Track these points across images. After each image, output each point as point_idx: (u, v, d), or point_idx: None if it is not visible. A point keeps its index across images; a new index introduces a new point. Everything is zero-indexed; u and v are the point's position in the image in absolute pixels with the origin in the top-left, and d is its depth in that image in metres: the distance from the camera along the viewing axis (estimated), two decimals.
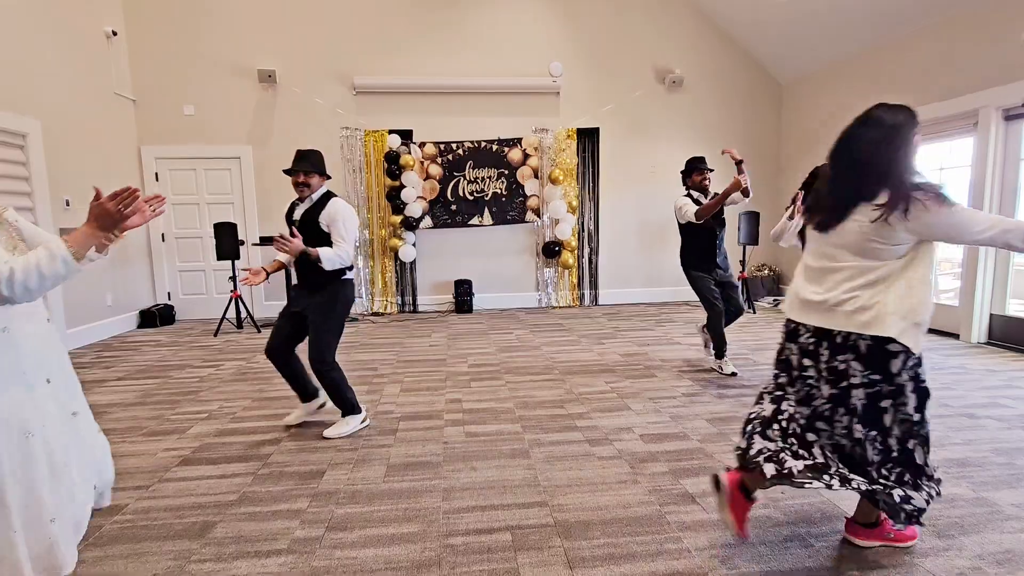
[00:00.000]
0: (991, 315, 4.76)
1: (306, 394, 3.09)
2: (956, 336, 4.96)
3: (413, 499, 2.24)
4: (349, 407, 2.98)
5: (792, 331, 1.85)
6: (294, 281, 3.15)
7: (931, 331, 5.24)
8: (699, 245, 3.91)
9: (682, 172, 4.05)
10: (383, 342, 5.27)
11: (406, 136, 6.65)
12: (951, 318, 5.09)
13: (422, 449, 2.74)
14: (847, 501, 2.15)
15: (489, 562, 1.82)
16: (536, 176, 6.87)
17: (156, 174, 6.37)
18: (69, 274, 1.34)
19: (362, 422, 3.04)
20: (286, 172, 2.91)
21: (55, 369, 1.50)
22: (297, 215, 2.92)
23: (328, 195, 2.93)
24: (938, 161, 5.34)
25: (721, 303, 3.86)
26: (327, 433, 2.92)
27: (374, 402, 3.47)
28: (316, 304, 2.88)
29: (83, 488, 1.54)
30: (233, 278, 5.89)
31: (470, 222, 6.86)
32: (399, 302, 7.00)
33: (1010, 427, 2.89)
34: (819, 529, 1.97)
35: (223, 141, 6.46)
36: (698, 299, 3.97)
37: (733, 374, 3.90)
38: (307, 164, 2.85)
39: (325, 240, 2.84)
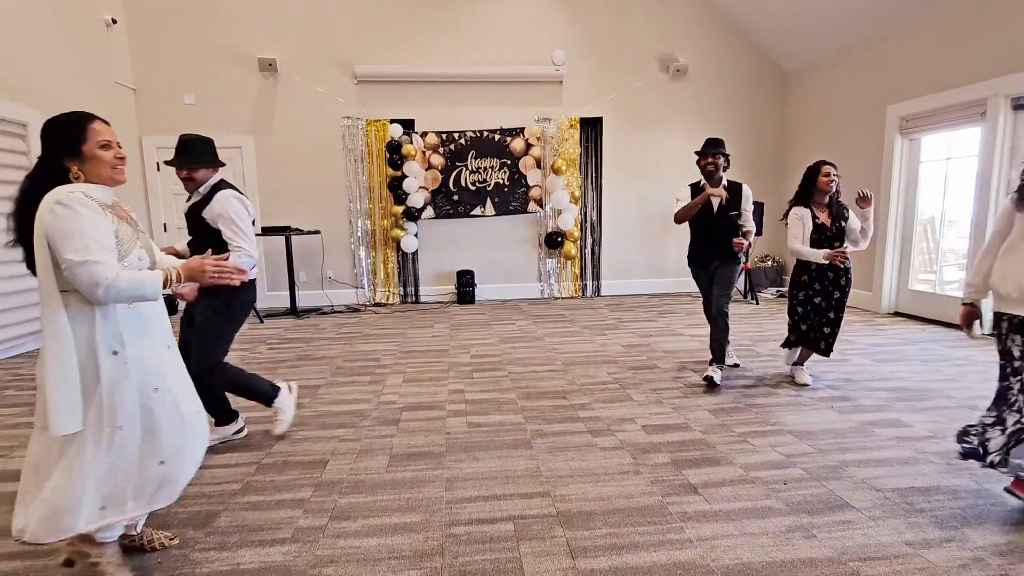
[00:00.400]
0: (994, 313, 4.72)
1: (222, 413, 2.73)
2: (959, 327, 4.93)
3: (416, 489, 2.25)
4: (266, 395, 2.70)
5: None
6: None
7: (935, 322, 5.22)
8: (693, 237, 3.70)
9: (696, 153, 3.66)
10: (385, 333, 5.27)
11: (408, 126, 6.61)
12: (955, 309, 5.05)
13: (425, 439, 2.75)
14: (849, 492, 2.15)
15: (491, 552, 1.83)
16: (539, 166, 6.84)
17: (157, 164, 6.36)
18: (148, 299, 1.58)
19: (290, 393, 2.81)
20: (168, 164, 2.52)
21: (171, 340, 1.76)
22: (186, 208, 2.56)
23: (217, 187, 2.50)
24: (944, 151, 5.29)
25: (707, 296, 3.68)
26: (277, 432, 2.75)
27: (376, 392, 3.47)
28: (208, 306, 2.47)
29: (193, 445, 1.73)
30: None
31: (472, 212, 6.84)
32: (401, 293, 7.00)
33: None
34: (821, 520, 1.98)
35: (224, 131, 6.42)
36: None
37: (735, 365, 3.89)
38: (188, 157, 2.45)
39: (212, 235, 2.46)
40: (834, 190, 3.32)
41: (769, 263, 7.43)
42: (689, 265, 3.78)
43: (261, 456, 2.59)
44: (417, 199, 6.55)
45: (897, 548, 1.81)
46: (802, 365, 3.59)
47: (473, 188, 6.80)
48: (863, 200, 3.24)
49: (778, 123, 7.40)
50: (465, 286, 6.90)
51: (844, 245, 3.33)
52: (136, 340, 1.58)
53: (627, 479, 2.31)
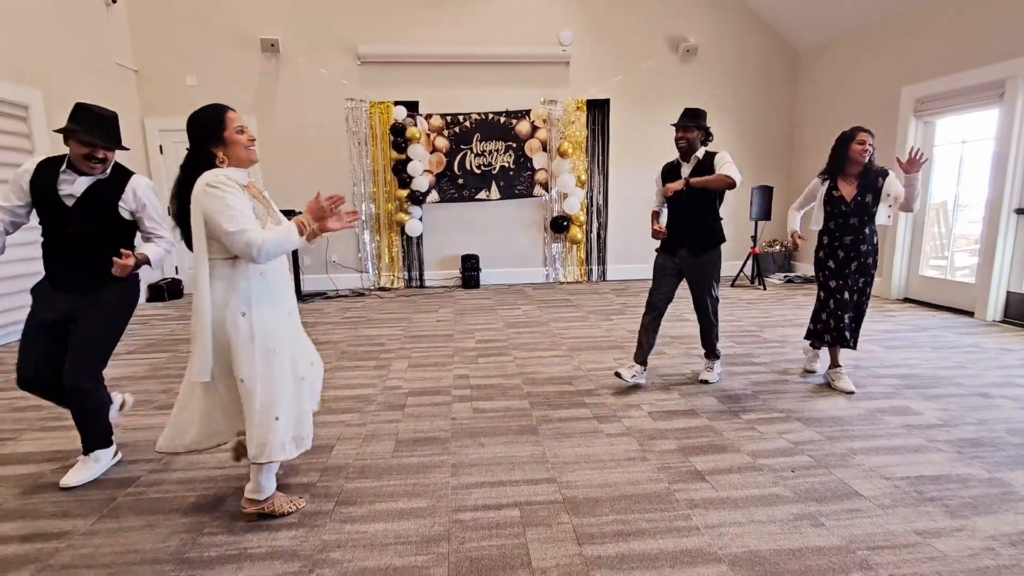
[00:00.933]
0: (1008, 293, 4.67)
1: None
2: (971, 314, 4.88)
3: (422, 474, 2.25)
4: (106, 437, 2.30)
5: None
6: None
7: (946, 309, 5.16)
8: (668, 218, 3.33)
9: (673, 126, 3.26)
10: (390, 317, 5.26)
11: (412, 108, 6.52)
12: (966, 296, 5.00)
13: (430, 425, 2.75)
14: (858, 480, 2.14)
15: (498, 537, 1.82)
16: (544, 149, 6.75)
17: (160, 147, 6.32)
18: (293, 248, 1.83)
19: (113, 456, 2.37)
20: (77, 140, 2.10)
21: (292, 308, 2.00)
22: (77, 190, 2.14)
23: (123, 171, 2.25)
24: (960, 134, 5.18)
25: (659, 295, 3.29)
26: (66, 482, 2.18)
27: (382, 377, 3.47)
28: (95, 307, 2.17)
29: (305, 407, 1.96)
30: None
31: (477, 196, 6.78)
32: (406, 277, 6.98)
33: None
34: (829, 508, 1.96)
35: None
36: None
37: (637, 384, 3.27)
38: (112, 136, 2.18)
39: (115, 224, 2.20)
40: (867, 160, 2.94)
41: (777, 248, 7.35)
42: (656, 250, 3.38)
43: None
44: (421, 183, 6.49)
45: (907, 537, 1.79)
46: (839, 367, 3.19)
47: (478, 171, 6.73)
48: (912, 163, 2.79)
49: (789, 104, 7.26)
50: (470, 270, 6.87)
51: (867, 220, 2.97)
52: (261, 306, 1.82)
53: (633, 466, 2.30)
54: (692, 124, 3.05)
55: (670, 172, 3.24)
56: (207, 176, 1.74)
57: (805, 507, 1.97)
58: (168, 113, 6.24)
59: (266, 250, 1.72)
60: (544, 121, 6.68)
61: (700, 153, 3.10)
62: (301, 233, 1.82)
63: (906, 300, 5.63)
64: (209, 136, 1.82)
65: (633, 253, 7.32)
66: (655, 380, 3.35)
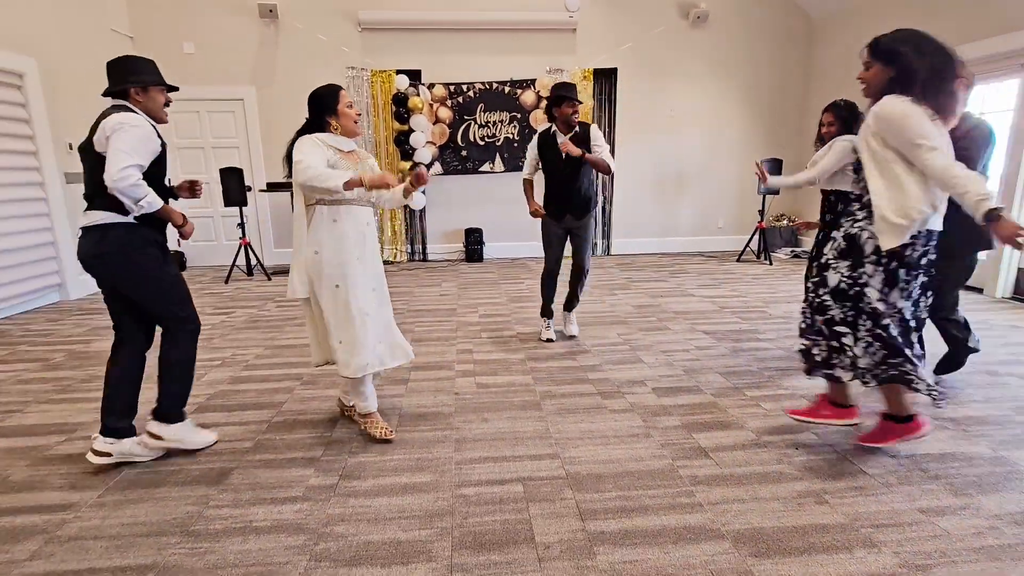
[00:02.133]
0: (1019, 270, 4.60)
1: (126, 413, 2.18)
2: (980, 291, 4.82)
3: (425, 449, 2.26)
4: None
5: None
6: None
7: None
8: (546, 187, 3.53)
9: (548, 101, 3.42)
10: (392, 291, 5.23)
11: (414, 77, 6.37)
12: (976, 272, 4.92)
13: (433, 400, 2.75)
14: (862, 458, 2.13)
15: (501, 512, 1.83)
16: None
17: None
18: (331, 185, 2.05)
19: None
20: (170, 89, 2.19)
21: (367, 256, 2.30)
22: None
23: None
24: (977, 105, 5.02)
25: (554, 254, 3.54)
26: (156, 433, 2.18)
27: None
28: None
29: (365, 340, 2.25)
30: (242, 225, 5.82)
31: (481, 168, 6.68)
32: (408, 251, 6.94)
33: None
34: (833, 485, 1.96)
35: (225, 82, 6.23)
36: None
37: (549, 340, 3.59)
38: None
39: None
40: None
41: (784, 222, 7.25)
42: (543, 218, 3.54)
43: (272, 415, 2.60)
44: (424, 154, 6.38)
45: (911, 515, 1.79)
46: None
47: (482, 143, 6.61)
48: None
49: (802, 74, 7.06)
50: (473, 244, 6.82)
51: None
52: (330, 247, 2.19)
53: (637, 442, 2.29)
54: (576, 98, 3.32)
55: (546, 142, 3.42)
56: (304, 138, 2.17)
57: (809, 485, 1.97)
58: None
59: (312, 181, 2.04)
60: (550, 91, 6.51)
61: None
62: (348, 185, 2.05)
63: None
64: (327, 108, 2.20)
65: (639, 227, 7.23)
66: (659, 356, 3.33)
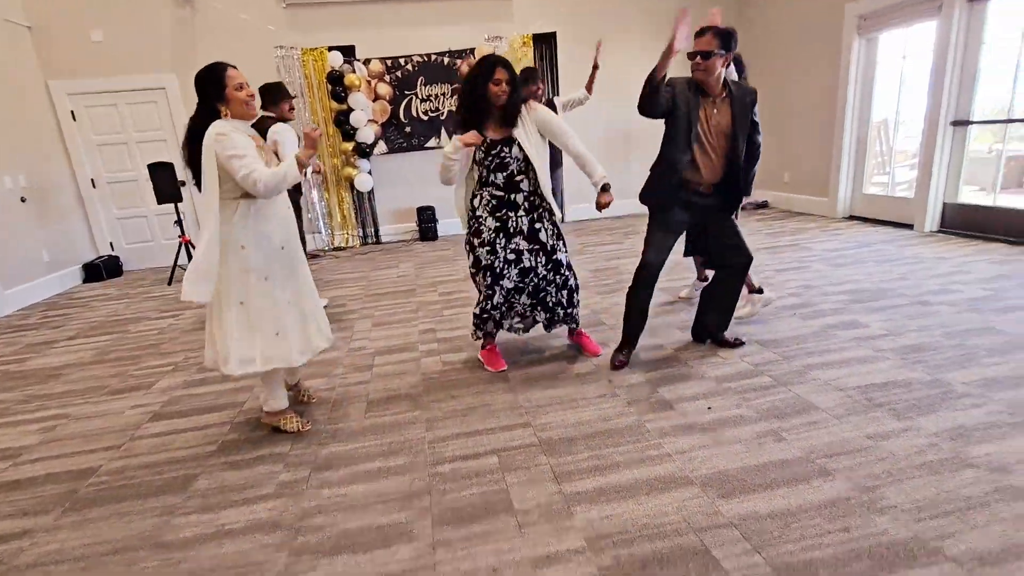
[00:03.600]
0: (944, 204, 4.90)
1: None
2: (910, 227, 5.12)
3: (396, 432, 2.25)
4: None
5: None
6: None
7: (888, 223, 5.39)
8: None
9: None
10: (348, 277, 5.12)
11: (348, 53, 6.10)
12: (906, 209, 5.23)
13: (400, 382, 2.73)
14: (814, 394, 2.26)
15: (478, 485, 1.85)
16: None
17: (72, 112, 5.73)
18: (293, 182, 2.03)
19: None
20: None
21: (287, 242, 2.22)
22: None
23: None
24: (901, 50, 5.24)
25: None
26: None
27: (346, 339, 3.40)
28: None
29: (290, 334, 2.20)
30: (179, 222, 5.52)
31: (427, 145, 6.53)
32: (360, 234, 6.76)
33: (959, 311, 3.04)
34: (789, 423, 2.07)
35: (142, 70, 5.80)
36: None
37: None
38: None
39: None
40: None
41: None
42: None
43: (234, 415, 2.53)
44: (367, 133, 6.17)
45: (859, 442, 1.92)
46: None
47: (425, 118, 6.45)
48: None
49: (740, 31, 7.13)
50: (426, 222, 6.71)
51: None
52: (256, 243, 2.10)
53: (604, 402, 2.35)
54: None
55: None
56: (216, 126, 1.98)
57: (767, 425, 2.08)
58: (77, 74, 5.62)
59: (265, 183, 1.96)
60: None
61: None
62: (301, 168, 2.02)
63: (851, 218, 5.85)
64: (213, 92, 2.02)
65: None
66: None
